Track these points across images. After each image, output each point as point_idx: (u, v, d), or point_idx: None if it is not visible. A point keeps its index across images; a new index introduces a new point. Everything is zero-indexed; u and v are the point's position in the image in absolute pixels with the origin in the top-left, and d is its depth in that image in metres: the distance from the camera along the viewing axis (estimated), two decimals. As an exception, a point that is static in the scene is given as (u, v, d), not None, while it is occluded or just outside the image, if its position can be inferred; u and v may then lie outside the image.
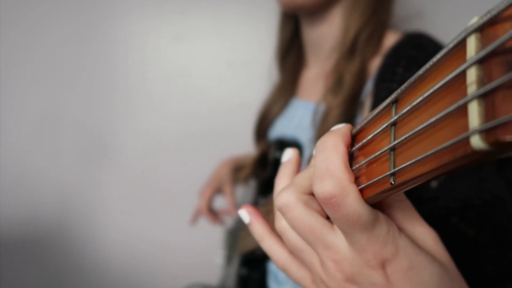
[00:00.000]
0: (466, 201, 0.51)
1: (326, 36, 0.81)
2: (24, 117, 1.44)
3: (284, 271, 0.38)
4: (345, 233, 0.30)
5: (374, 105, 0.62)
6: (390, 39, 0.73)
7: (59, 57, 1.43)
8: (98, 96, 1.46)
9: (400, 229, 0.30)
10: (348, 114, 0.68)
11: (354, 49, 0.73)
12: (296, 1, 0.75)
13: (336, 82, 0.72)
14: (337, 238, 0.31)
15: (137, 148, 1.47)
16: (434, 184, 0.53)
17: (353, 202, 0.28)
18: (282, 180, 0.38)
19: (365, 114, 0.68)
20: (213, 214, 1.08)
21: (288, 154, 0.41)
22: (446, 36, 0.68)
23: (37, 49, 1.42)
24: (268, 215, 0.47)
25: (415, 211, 0.33)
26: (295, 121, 0.86)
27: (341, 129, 0.32)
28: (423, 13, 1.08)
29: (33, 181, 1.46)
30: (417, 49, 0.62)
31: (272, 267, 0.85)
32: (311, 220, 0.31)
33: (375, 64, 0.71)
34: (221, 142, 1.42)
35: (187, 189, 1.40)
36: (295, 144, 0.82)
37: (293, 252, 0.35)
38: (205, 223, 1.15)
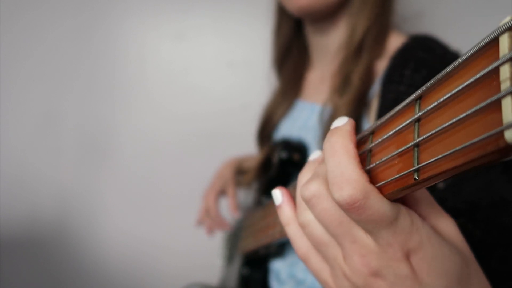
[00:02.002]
0: (474, 202, 0.52)
1: (332, 39, 0.81)
2: (24, 117, 1.44)
3: (304, 260, 0.37)
4: (370, 232, 0.30)
5: (381, 106, 0.63)
6: (395, 41, 0.73)
7: (58, 57, 1.43)
8: (97, 96, 1.45)
9: (423, 219, 0.31)
10: (354, 115, 0.69)
11: (361, 50, 0.73)
12: (311, 6, 0.74)
13: (342, 82, 0.73)
14: (363, 233, 0.31)
15: (137, 148, 1.47)
16: (441, 185, 0.53)
17: (375, 202, 0.28)
18: (308, 174, 0.37)
19: (371, 116, 0.68)
20: (220, 219, 1.07)
21: (317, 153, 0.40)
22: (445, 36, 0.69)
23: (36, 49, 1.42)
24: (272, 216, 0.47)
25: (435, 202, 0.33)
26: (300, 122, 0.87)
27: (346, 127, 0.32)
28: (423, 13, 1.09)
29: (33, 181, 1.46)
30: (426, 51, 0.63)
31: (273, 267, 0.85)
32: (341, 213, 0.31)
33: (381, 65, 0.71)
34: (221, 142, 1.42)
35: (187, 190, 1.40)
36: (301, 144, 0.82)
37: (315, 246, 0.35)
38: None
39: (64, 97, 1.44)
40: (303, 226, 0.35)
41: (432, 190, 0.54)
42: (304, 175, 0.38)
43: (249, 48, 1.43)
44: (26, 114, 1.44)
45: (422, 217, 0.31)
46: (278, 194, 0.41)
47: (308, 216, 0.35)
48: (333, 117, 0.71)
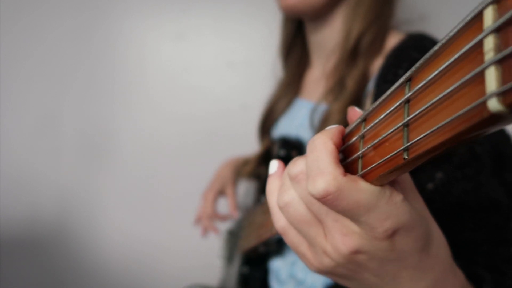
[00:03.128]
0: (462, 204, 0.53)
1: (328, 38, 0.81)
2: (24, 117, 1.44)
3: (283, 233, 0.39)
4: (351, 219, 0.31)
5: None
6: (392, 40, 0.73)
7: (58, 57, 1.43)
8: (97, 96, 1.46)
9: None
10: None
11: (356, 53, 0.73)
12: (295, 6, 0.75)
13: (337, 84, 0.72)
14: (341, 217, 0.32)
15: (137, 149, 1.47)
16: (430, 186, 0.54)
17: (349, 194, 0.29)
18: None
19: None
20: (219, 217, 1.07)
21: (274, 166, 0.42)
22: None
23: (36, 49, 1.43)
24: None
25: (414, 187, 0.35)
26: (298, 120, 0.87)
27: (332, 129, 0.34)
28: (426, 16, 1.09)
29: (33, 182, 1.46)
30: (420, 52, 0.62)
31: (273, 267, 0.85)
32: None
33: (376, 64, 0.71)
34: (221, 142, 1.42)
35: (187, 190, 1.40)
36: (298, 143, 0.82)
37: (296, 225, 0.36)
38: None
39: (64, 97, 1.44)
40: (286, 204, 0.36)
41: (422, 191, 0.54)
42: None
43: (249, 48, 1.44)
44: (26, 114, 1.44)
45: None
46: (274, 164, 0.42)
47: (292, 193, 0.35)
48: (326, 120, 0.71)
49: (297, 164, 0.35)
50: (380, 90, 0.63)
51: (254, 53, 1.40)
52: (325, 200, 0.30)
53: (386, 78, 0.62)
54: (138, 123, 1.46)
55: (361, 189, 0.29)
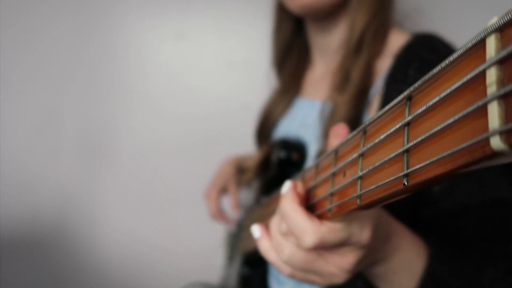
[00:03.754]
0: (466, 205, 0.54)
1: (333, 37, 0.81)
2: (24, 117, 1.44)
3: (292, 277, 0.46)
4: (342, 246, 0.40)
5: (383, 105, 0.62)
6: (397, 38, 0.73)
7: (58, 57, 1.43)
8: (97, 96, 1.45)
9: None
10: (355, 112, 0.68)
11: (360, 46, 0.72)
12: (312, 6, 0.73)
13: (342, 78, 0.72)
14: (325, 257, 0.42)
15: (137, 149, 1.46)
16: (436, 189, 0.56)
17: (330, 236, 0.38)
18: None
19: (372, 114, 0.68)
20: (224, 215, 1.07)
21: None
22: (445, 33, 0.68)
23: (36, 49, 1.42)
24: (271, 216, 0.48)
25: None
26: (299, 119, 0.86)
27: (289, 193, 0.42)
28: (423, 10, 1.08)
29: (33, 182, 1.46)
30: (430, 51, 0.62)
31: (273, 267, 0.84)
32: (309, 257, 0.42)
33: (383, 63, 0.71)
34: (221, 143, 1.42)
35: (187, 190, 1.40)
36: (299, 143, 0.82)
37: (303, 268, 0.43)
38: (205, 224, 1.14)
39: (64, 97, 1.44)
40: (290, 257, 0.43)
41: (428, 193, 0.57)
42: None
43: (249, 48, 1.43)
44: (26, 114, 1.44)
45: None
46: (256, 229, 0.49)
47: (290, 247, 0.43)
48: (333, 115, 0.70)
49: (282, 224, 0.43)
50: (390, 89, 0.63)
51: (254, 53, 1.39)
52: (316, 248, 0.39)
53: (396, 78, 0.63)
54: (138, 123, 1.46)
55: (337, 230, 0.38)
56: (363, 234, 0.39)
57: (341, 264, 0.41)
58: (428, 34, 0.68)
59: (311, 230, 0.38)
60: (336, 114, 0.70)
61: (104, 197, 1.48)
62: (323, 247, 0.39)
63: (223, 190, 1.08)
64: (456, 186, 0.54)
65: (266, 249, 0.47)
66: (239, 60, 1.43)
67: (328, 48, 0.83)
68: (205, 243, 1.35)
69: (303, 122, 0.84)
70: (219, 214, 1.05)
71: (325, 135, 0.70)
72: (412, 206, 0.60)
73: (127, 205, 1.48)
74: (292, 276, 0.45)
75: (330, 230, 0.38)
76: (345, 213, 0.35)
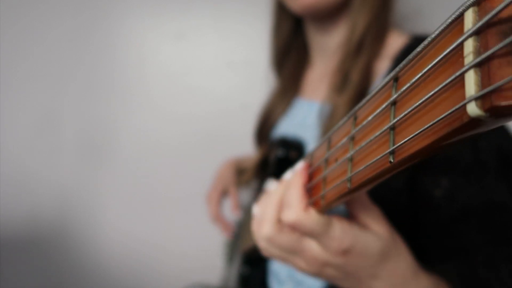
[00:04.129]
0: (467, 210, 0.54)
1: (333, 38, 0.81)
2: (24, 117, 1.44)
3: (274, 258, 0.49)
4: (314, 239, 0.42)
5: None
6: (396, 40, 0.73)
7: (58, 57, 1.43)
8: (97, 96, 1.46)
9: (355, 218, 0.43)
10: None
11: (361, 47, 0.72)
12: (315, 6, 0.73)
13: (342, 79, 0.72)
14: (308, 244, 0.43)
15: (137, 149, 1.47)
16: (438, 193, 0.57)
17: (306, 222, 0.41)
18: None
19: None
20: (224, 220, 1.07)
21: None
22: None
23: (36, 49, 1.43)
24: None
25: (368, 201, 0.43)
26: (298, 119, 0.86)
27: (302, 171, 0.44)
28: (422, 11, 1.09)
29: (33, 182, 1.46)
30: None
31: (273, 267, 0.84)
32: (289, 239, 0.45)
33: (381, 65, 0.71)
34: (221, 143, 1.42)
35: (187, 190, 1.40)
36: (298, 142, 0.82)
37: (285, 250, 0.47)
38: (205, 224, 1.14)
39: (63, 97, 1.44)
40: (270, 239, 0.46)
41: (430, 198, 0.58)
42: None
43: (249, 48, 1.43)
44: (26, 114, 1.44)
45: (354, 216, 0.43)
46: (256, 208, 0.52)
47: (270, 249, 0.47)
48: (332, 115, 0.71)
49: (263, 233, 0.47)
50: None
51: (254, 53, 1.40)
52: (291, 225, 0.42)
53: None
54: (138, 123, 1.46)
55: (315, 219, 0.40)
56: (340, 240, 0.40)
57: (309, 260, 0.44)
58: (426, 35, 0.68)
59: (297, 206, 0.41)
60: (335, 114, 0.70)
61: (104, 197, 1.48)
62: (295, 227, 0.42)
63: (224, 193, 1.08)
64: (456, 191, 0.55)
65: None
66: (239, 60, 1.43)
67: (327, 48, 0.83)
68: (205, 243, 1.35)
69: (302, 122, 0.84)
70: (219, 219, 1.05)
71: (324, 135, 0.71)
72: (413, 211, 0.60)
73: (127, 205, 1.48)
74: (269, 254, 0.49)
75: (309, 216, 0.40)
76: (337, 199, 0.35)
